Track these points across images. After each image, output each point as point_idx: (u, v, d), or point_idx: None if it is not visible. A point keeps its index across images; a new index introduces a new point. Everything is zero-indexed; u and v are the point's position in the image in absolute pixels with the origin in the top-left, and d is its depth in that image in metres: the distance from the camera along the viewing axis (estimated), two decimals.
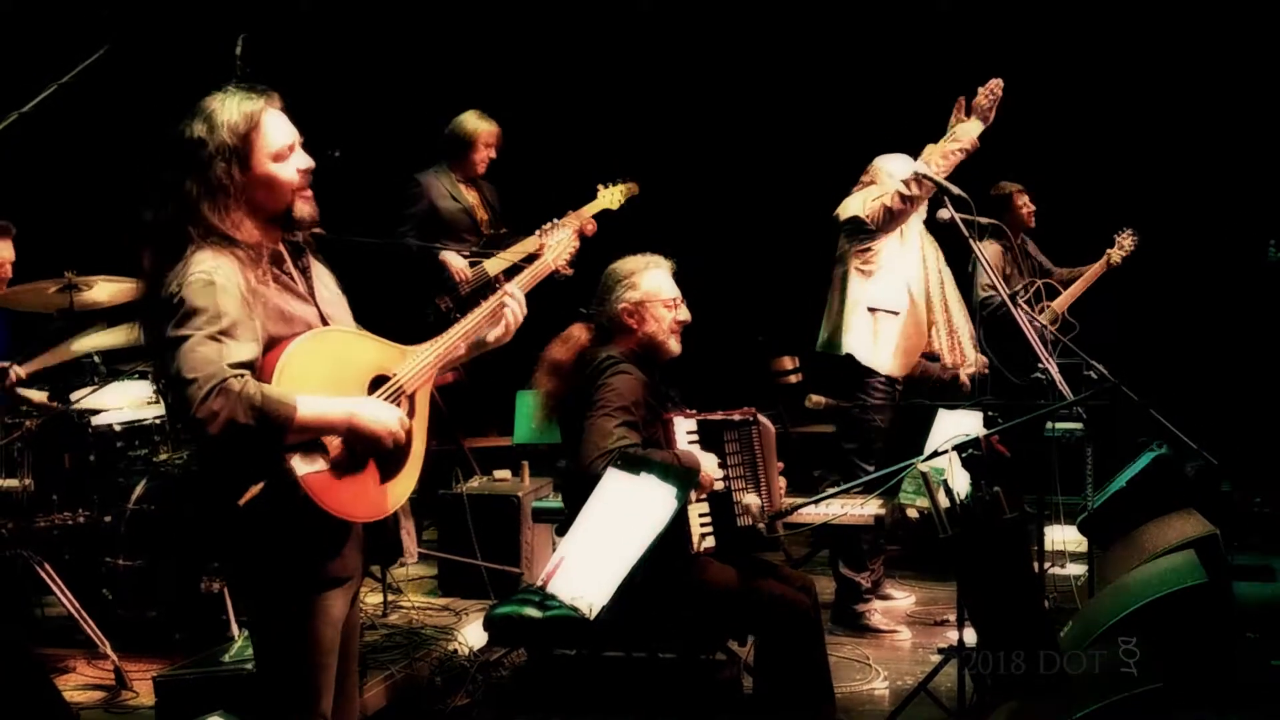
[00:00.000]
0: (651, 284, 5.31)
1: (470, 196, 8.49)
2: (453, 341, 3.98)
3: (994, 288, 8.58)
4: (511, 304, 4.15)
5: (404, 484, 3.79)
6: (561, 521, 4.95)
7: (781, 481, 5.52)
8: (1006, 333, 8.33)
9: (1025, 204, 9.09)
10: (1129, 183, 10.23)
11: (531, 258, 4.50)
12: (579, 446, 4.95)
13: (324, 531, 3.61)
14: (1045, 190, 9.32)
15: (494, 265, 8.22)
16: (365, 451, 3.63)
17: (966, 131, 6.99)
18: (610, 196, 8.36)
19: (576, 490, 4.82)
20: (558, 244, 4.49)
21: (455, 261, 8.18)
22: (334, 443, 3.55)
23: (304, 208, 3.76)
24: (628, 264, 5.39)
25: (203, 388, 3.34)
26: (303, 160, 3.75)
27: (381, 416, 3.63)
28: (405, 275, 8.27)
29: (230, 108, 3.64)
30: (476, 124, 8.42)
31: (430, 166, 8.46)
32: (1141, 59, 10.21)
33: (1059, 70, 10.17)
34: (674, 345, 5.34)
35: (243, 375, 3.39)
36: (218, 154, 3.59)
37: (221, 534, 3.64)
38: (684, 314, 5.37)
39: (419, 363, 3.87)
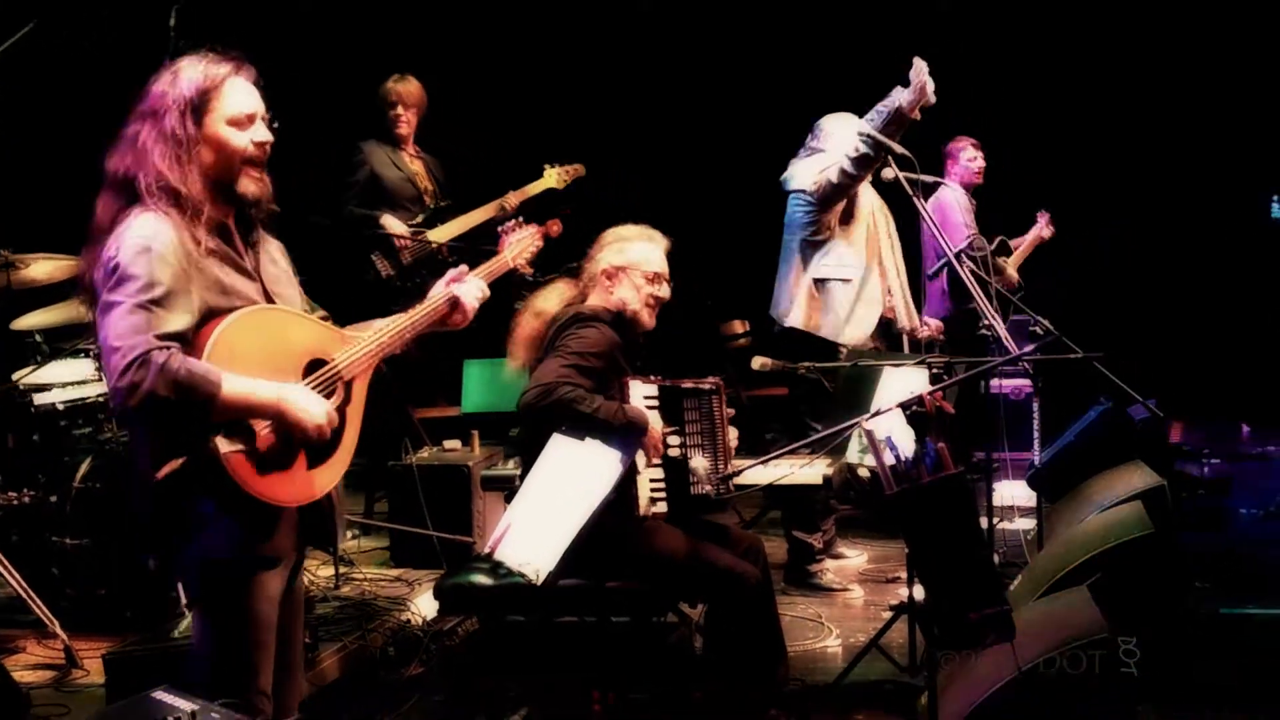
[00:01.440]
0: (638, 254, 5.31)
1: (414, 166, 8.44)
2: (395, 332, 3.94)
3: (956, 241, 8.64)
4: (466, 292, 4.13)
5: (332, 471, 3.75)
6: (511, 489, 4.93)
7: (733, 436, 5.51)
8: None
9: (976, 158, 9.15)
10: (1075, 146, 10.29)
11: (492, 252, 4.53)
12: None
13: (250, 512, 3.55)
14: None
15: (437, 235, 8.17)
16: (293, 436, 3.60)
17: (899, 98, 6.90)
18: (555, 176, 8.35)
19: (529, 446, 4.82)
20: (518, 242, 4.49)
21: (394, 226, 8.13)
22: (261, 424, 3.51)
23: (249, 185, 3.70)
24: (625, 230, 5.42)
25: (126, 357, 3.29)
26: (261, 134, 3.71)
27: (310, 408, 3.59)
28: (346, 241, 8.23)
29: (197, 66, 3.64)
30: (390, 85, 8.39)
31: (373, 136, 8.41)
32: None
33: (1032, 31, 10.25)
34: (645, 318, 5.32)
35: (169, 348, 3.34)
36: (174, 105, 3.58)
37: (150, 511, 3.59)
38: (663, 291, 5.34)
39: (358, 350, 3.83)
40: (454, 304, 4.12)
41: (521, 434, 5.18)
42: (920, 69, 6.52)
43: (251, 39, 4.03)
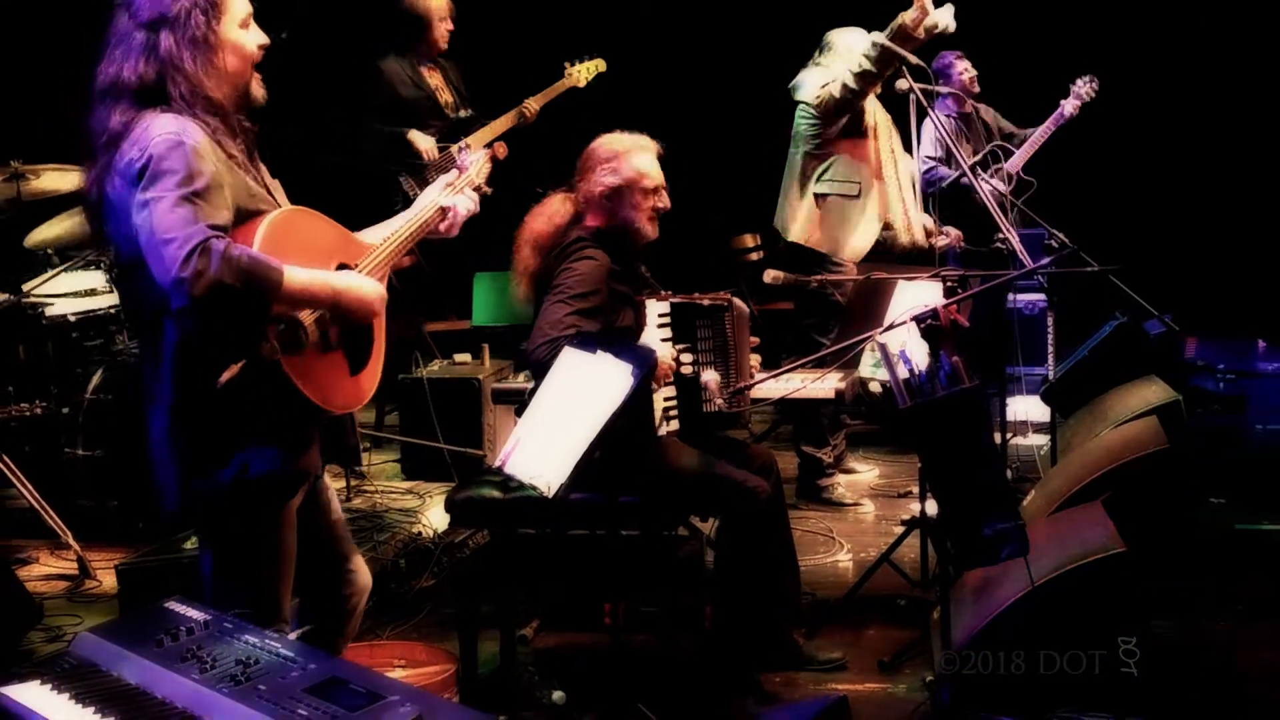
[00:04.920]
0: (634, 169, 5.14)
1: (433, 79, 8.32)
2: (405, 240, 3.87)
3: (935, 159, 8.60)
4: (460, 203, 4.05)
5: (371, 377, 3.72)
6: (522, 403, 4.90)
7: (755, 361, 5.49)
8: (955, 206, 8.35)
9: (965, 69, 9.05)
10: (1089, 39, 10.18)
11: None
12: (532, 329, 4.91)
13: (298, 421, 3.53)
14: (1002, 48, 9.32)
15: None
16: (339, 336, 3.56)
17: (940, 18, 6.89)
18: (577, 75, 8.22)
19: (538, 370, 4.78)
20: (475, 163, 4.40)
21: (422, 142, 8.02)
22: (310, 326, 3.45)
23: (258, 88, 3.66)
24: (614, 143, 5.21)
25: (184, 247, 3.18)
26: (261, 36, 3.64)
27: (368, 291, 3.57)
28: (375, 162, 8.13)
29: None
30: (423, 1, 8.25)
31: (390, 52, 8.28)
32: None
33: None
34: (649, 231, 5.20)
35: (224, 236, 3.26)
36: (194, 7, 3.46)
37: (196, 426, 3.49)
38: (664, 201, 5.22)
39: (378, 256, 3.76)
40: (445, 212, 4.03)
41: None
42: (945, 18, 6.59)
43: None
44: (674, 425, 5.12)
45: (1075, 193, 9.40)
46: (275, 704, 2.55)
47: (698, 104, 10.58)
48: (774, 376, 5.32)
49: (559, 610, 5.71)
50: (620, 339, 4.89)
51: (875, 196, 7.25)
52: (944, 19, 6.66)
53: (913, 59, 6.26)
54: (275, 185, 3.78)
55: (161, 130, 3.36)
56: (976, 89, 9.12)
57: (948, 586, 4.57)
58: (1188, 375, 7.15)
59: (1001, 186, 8.38)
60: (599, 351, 4.25)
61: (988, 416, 4.25)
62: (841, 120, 7.13)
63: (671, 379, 5.07)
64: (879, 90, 7.17)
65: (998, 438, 6.17)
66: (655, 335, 5.11)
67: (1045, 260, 5.65)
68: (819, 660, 5.25)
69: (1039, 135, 9.05)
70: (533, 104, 8.12)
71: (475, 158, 4.38)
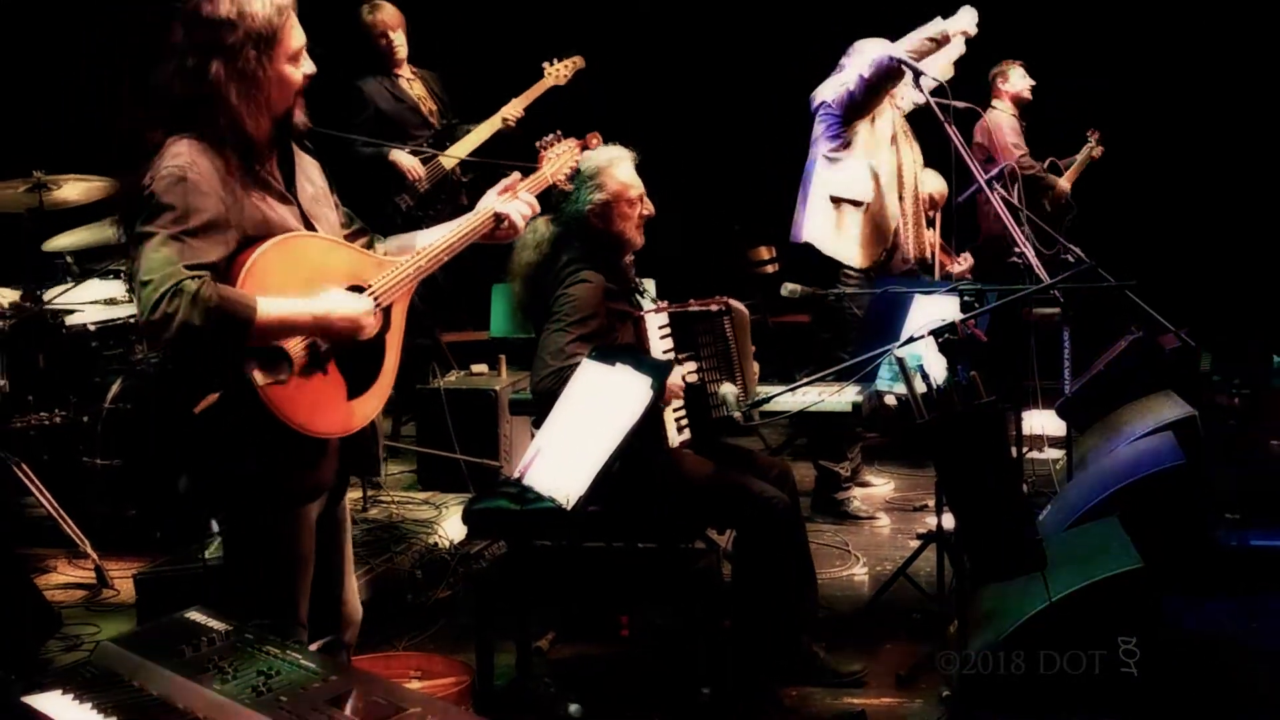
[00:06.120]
0: (620, 181, 5.17)
1: (415, 90, 8.28)
2: (434, 254, 3.80)
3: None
4: (515, 209, 4.03)
5: (374, 400, 3.68)
6: (538, 415, 4.91)
7: (755, 366, 5.50)
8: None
9: (1023, 76, 9.21)
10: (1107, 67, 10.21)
11: (530, 170, 4.30)
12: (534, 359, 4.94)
13: (291, 445, 3.49)
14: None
15: (448, 159, 8.02)
16: (333, 360, 3.52)
17: (941, 25, 6.95)
18: (557, 73, 8.13)
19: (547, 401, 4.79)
20: (558, 158, 4.34)
21: (405, 160, 7.99)
22: (298, 353, 3.43)
23: (300, 114, 3.62)
24: (594, 159, 5.19)
25: (158, 289, 3.21)
26: (309, 66, 3.60)
27: (349, 308, 3.50)
28: (360, 181, 8.10)
29: None
30: (369, 16, 8.15)
31: (367, 71, 8.22)
32: None
33: None
34: (639, 240, 5.25)
35: (200, 276, 3.25)
36: (248, 41, 3.43)
37: (187, 444, 3.51)
38: (649, 208, 5.26)
39: (396, 274, 3.71)
40: (499, 219, 3.99)
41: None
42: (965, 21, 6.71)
43: None
44: (686, 435, 5.12)
45: (1091, 207, 9.42)
46: (298, 715, 2.56)
47: (716, 116, 10.60)
48: (792, 389, 5.33)
49: (575, 622, 5.72)
50: (636, 352, 4.91)
51: (886, 208, 7.24)
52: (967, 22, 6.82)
53: (928, 74, 6.30)
54: (316, 196, 3.76)
55: (170, 161, 3.37)
56: (1030, 98, 9.29)
57: (964, 601, 4.58)
58: (1204, 390, 7.16)
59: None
60: (618, 364, 4.26)
61: (1006, 431, 4.26)
62: (860, 121, 7.15)
63: (681, 394, 5.07)
64: (904, 110, 7.23)
65: (1014, 452, 6.17)
66: (658, 348, 5.10)
67: (1062, 275, 5.66)
68: (837, 673, 5.24)
69: (1079, 165, 9.38)
70: (515, 107, 8.02)
71: (559, 150, 4.33)
